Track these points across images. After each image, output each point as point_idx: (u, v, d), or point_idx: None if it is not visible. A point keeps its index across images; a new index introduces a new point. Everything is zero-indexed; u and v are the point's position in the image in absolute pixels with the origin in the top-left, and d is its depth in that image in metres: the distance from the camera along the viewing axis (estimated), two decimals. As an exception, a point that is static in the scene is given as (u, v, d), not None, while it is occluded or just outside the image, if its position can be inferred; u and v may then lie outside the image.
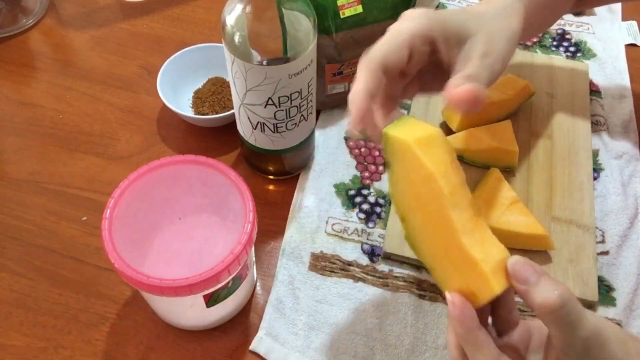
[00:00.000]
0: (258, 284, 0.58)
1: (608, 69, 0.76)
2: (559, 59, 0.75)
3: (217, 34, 0.79)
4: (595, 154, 0.68)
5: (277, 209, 0.63)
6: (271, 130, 0.57)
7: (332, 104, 0.70)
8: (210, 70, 0.71)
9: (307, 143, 0.62)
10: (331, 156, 0.67)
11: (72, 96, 0.73)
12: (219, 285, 0.46)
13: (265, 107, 0.54)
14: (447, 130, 0.67)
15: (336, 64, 0.65)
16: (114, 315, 0.56)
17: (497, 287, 0.35)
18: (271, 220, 0.62)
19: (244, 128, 0.59)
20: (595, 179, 0.65)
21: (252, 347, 0.54)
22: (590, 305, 0.56)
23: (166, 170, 0.51)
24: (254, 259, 0.55)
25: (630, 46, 0.80)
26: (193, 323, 0.54)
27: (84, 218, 0.62)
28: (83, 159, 0.67)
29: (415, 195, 0.37)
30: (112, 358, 0.53)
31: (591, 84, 0.74)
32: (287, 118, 0.56)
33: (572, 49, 0.79)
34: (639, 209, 0.63)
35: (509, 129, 0.64)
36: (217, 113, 0.67)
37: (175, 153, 0.67)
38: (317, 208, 0.62)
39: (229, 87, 0.70)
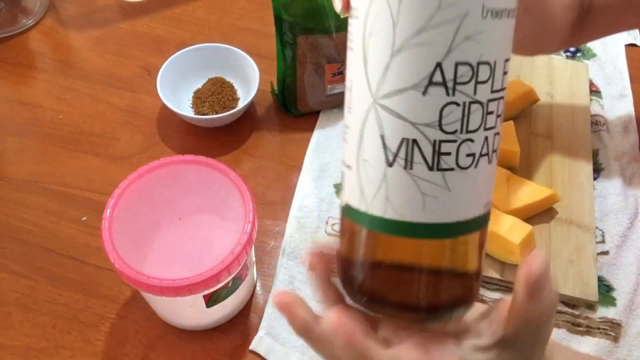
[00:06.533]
0: (258, 284, 0.58)
1: (608, 69, 0.76)
2: (559, 59, 0.75)
3: (217, 34, 0.79)
4: (595, 154, 0.67)
5: (277, 209, 0.63)
6: (427, 164, 0.28)
7: (332, 104, 0.70)
8: (210, 70, 0.71)
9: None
10: (331, 156, 0.67)
11: (72, 96, 0.73)
12: (219, 286, 0.46)
13: (425, 91, 0.27)
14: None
15: (336, 64, 0.65)
16: (114, 315, 0.56)
17: (515, 239, 0.54)
18: (271, 220, 0.62)
19: (364, 173, 0.29)
20: (595, 179, 0.65)
21: (252, 347, 0.54)
22: (590, 305, 0.56)
23: (166, 170, 0.51)
24: (254, 259, 0.55)
25: (630, 46, 0.80)
26: (193, 323, 0.54)
27: (84, 218, 0.62)
28: (83, 159, 0.67)
29: None
30: (112, 358, 0.53)
31: (591, 84, 0.74)
32: (462, 129, 0.28)
33: (572, 49, 0.79)
34: (639, 209, 0.63)
35: (511, 129, 0.64)
36: (217, 113, 0.67)
37: (175, 153, 0.67)
38: (317, 208, 0.62)
39: (229, 87, 0.70)
